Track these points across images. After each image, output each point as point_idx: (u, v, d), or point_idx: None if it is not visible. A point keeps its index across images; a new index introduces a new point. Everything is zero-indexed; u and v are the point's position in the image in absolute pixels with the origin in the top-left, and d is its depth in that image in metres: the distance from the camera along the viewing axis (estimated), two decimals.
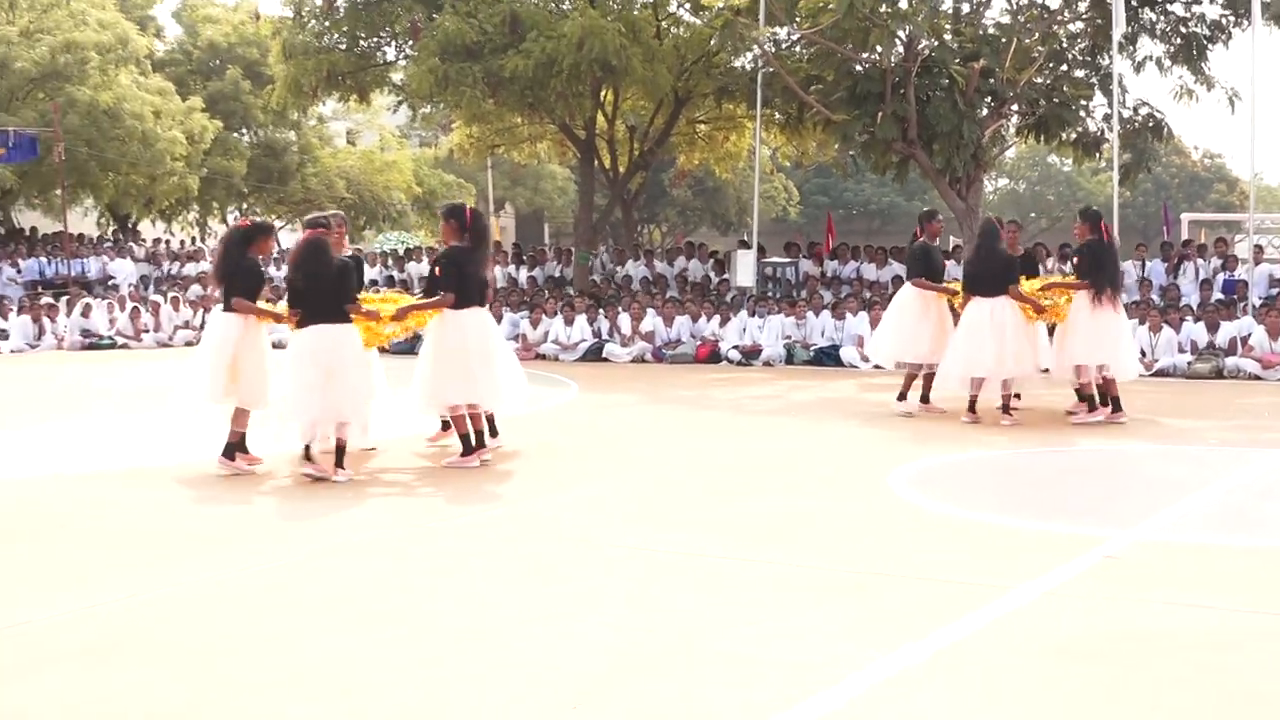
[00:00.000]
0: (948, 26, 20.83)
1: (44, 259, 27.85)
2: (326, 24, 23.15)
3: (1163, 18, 21.94)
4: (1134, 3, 20.95)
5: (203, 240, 39.69)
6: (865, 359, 18.45)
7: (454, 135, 29.05)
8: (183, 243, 36.26)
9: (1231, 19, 21.58)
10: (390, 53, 24.31)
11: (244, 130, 37.95)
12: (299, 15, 23.34)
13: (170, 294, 25.93)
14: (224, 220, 44.79)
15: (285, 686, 4.85)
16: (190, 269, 29.08)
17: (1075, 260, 12.40)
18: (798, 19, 20.95)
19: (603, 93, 24.09)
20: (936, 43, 20.14)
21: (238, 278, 9.86)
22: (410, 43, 22.26)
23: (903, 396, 12.78)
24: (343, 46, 23.42)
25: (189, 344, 23.81)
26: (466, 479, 9.33)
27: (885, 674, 4.86)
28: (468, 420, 9.90)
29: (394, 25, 22.71)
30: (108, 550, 7.17)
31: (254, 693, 4.80)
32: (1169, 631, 5.37)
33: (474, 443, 9.88)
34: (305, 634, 5.52)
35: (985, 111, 21.36)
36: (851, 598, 5.99)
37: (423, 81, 21.11)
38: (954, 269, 16.16)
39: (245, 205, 42.02)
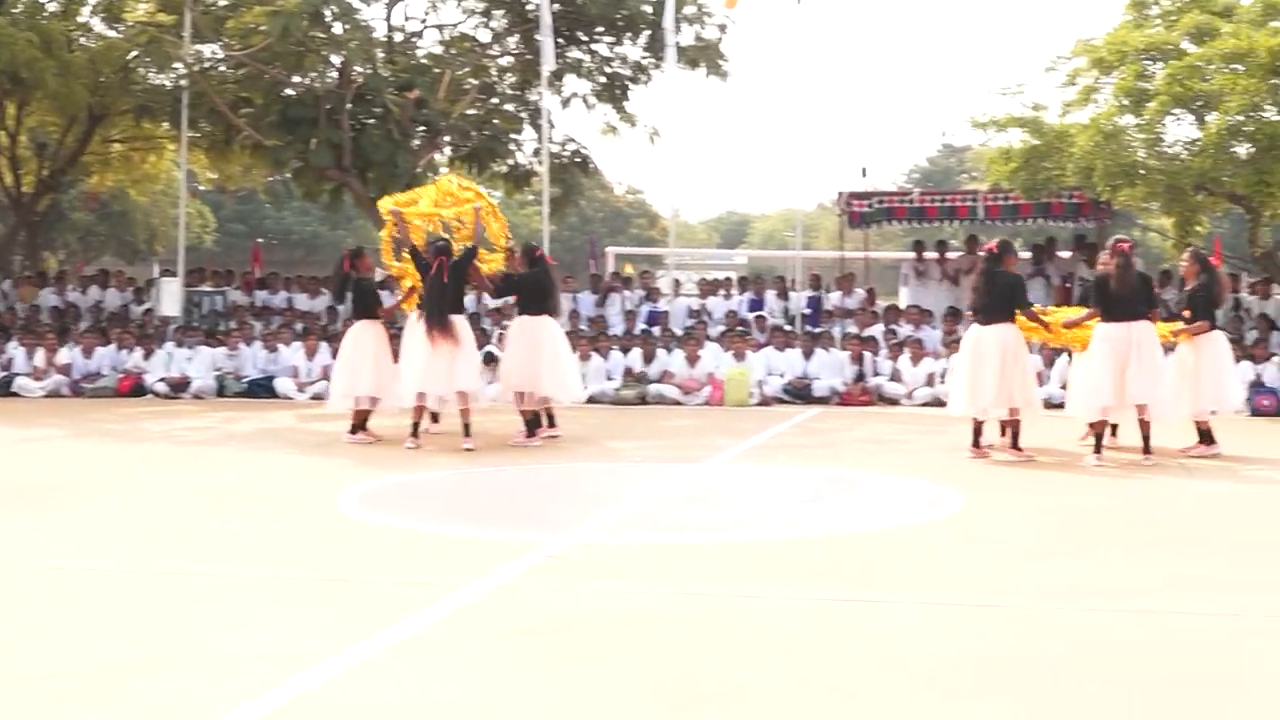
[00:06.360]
0: (381, 55, 21.77)
1: None
2: None
3: (589, 57, 23.91)
4: (561, 41, 22.72)
5: None
6: (301, 389, 19.07)
7: None
8: None
9: (652, 61, 23.80)
10: None
11: None
12: None
13: None
14: None
15: None
16: None
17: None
18: (226, 38, 21.30)
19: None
20: (370, 70, 21.03)
21: None
22: None
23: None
24: None
25: None
26: None
27: (359, 660, 5.61)
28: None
29: None
30: None
31: None
32: (605, 612, 6.44)
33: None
34: None
35: (419, 142, 22.51)
36: (320, 601, 6.70)
37: None
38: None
39: None
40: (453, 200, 14.11)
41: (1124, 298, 11.94)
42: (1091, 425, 12.35)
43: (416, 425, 13.07)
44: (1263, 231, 20.36)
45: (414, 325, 13.20)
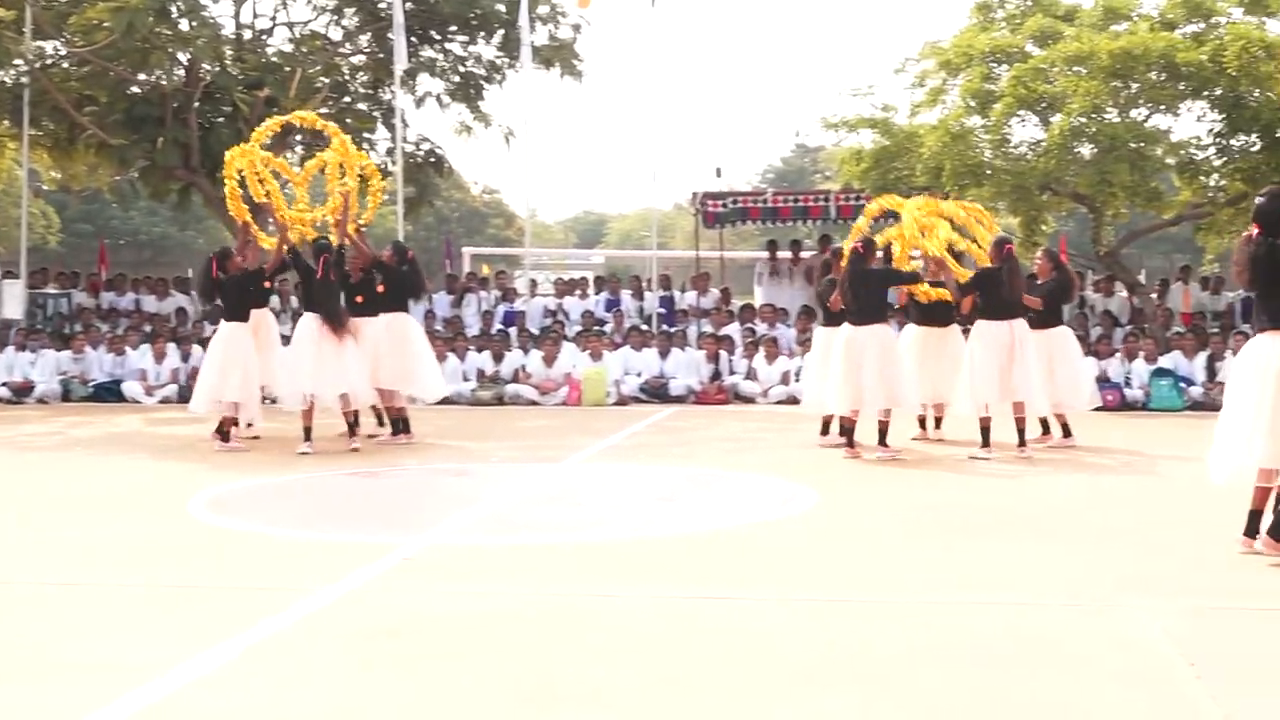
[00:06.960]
0: (230, 52, 21.46)
1: None
2: None
3: (443, 56, 23.81)
4: (414, 40, 22.59)
5: None
6: (149, 393, 18.72)
7: None
8: None
9: (506, 60, 23.79)
10: None
11: None
12: None
13: None
14: None
15: None
16: None
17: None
18: (69, 34, 20.84)
19: None
20: (219, 68, 20.72)
21: None
22: None
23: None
24: None
25: None
26: None
27: (211, 666, 5.54)
28: None
29: None
30: None
31: None
32: (461, 613, 6.43)
33: None
34: None
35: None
36: (170, 608, 6.60)
37: None
38: None
39: None
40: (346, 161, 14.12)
41: (1014, 301, 12.41)
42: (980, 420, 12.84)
43: (309, 430, 12.82)
44: (1105, 230, 20.84)
45: (301, 326, 13.03)
